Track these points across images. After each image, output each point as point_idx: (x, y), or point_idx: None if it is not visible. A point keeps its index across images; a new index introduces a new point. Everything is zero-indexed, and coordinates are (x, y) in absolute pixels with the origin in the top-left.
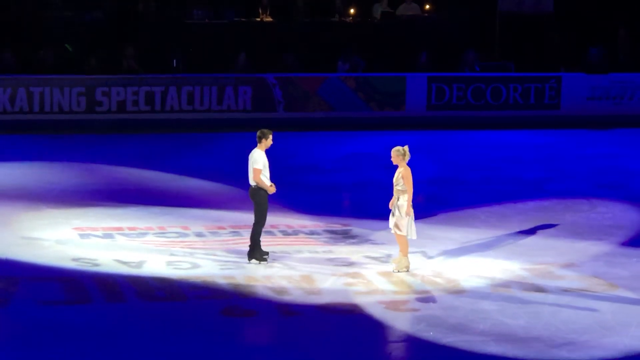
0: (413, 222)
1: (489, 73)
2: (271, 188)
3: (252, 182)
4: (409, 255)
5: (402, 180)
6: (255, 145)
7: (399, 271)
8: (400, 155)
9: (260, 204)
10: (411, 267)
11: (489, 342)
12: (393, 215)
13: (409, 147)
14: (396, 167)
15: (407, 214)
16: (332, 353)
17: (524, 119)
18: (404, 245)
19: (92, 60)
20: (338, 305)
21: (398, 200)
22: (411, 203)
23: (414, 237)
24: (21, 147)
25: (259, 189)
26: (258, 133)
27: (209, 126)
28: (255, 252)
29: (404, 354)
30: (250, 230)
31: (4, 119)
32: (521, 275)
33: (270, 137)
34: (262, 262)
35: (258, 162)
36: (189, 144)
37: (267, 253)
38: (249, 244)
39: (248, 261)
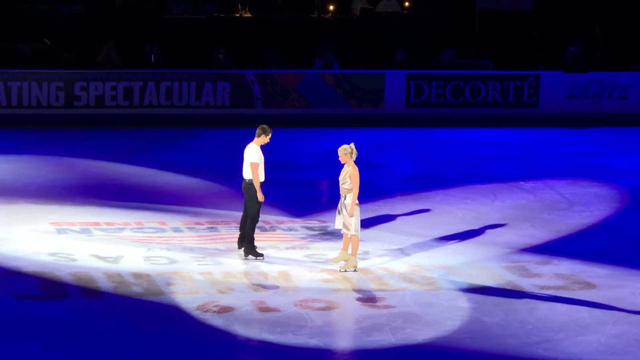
0: (359, 221)
1: (468, 71)
2: (260, 195)
3: (246, 176)
4: (335, 255)
5: (349, 179)
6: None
7: (346, 270)
8: (347, 153)
9: (254, 198)
10: (388, 263)
11: (464, 340)
12: (339, 213)
13: (388, 143)
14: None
15: (350, 214)
16: (308, 349)
17: (503, 116)
18: (355, 244)
19: (70, 54)
20: (315, 302)
21: (345, 199)
22: (356, 202)
23: (359, 235)
24: None
25: (253, 184)
26: (258, 129)
27: (187, 122)
28: (252, 249)
29: (379, 350)
30: (239, 224)
31: None
32: (498, 272)
33: (270, 135)
34: (258, 258)
35: (253, 156)
36: (167, 140)
37: (262, 254)
38: (238, 238)
39: (245, 257)
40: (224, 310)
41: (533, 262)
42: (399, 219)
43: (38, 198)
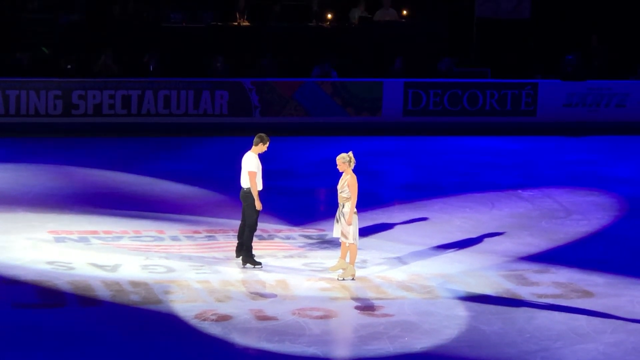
0: (357, 229)
1: (466, 79)
2: (258, 204)
3: (244, 185)
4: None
5: (347, 188)
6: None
7: (344, 279)
8: (346, 162)
9: (252, 207)
10: (387, 272)
11: (462, 348)
12: (337, 222)
13: (386, 152)
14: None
15: (348, 222)
16: (306, 357)
17: (501, 125)
18: (353, 253)
19: (68, 63)
20: (313, 310)
21: (343, 207)
22: (355, 210)
23: (357, 243)
24: None
25: (251, 192)
26: (256, 137)
27: (185, 130)
28: (250, 257)
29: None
30: (237, 233)
31: None
32: (496, 281)
33: (267, 144)
34: (256, 267)
35: (251, 165)
36: (165, 148)
37: (259, 263)
38: (236, 247)
39: (243, 265)
40: (222, 318)
41: (531, 271)
42: (397, 227)
43: (36, 206)
